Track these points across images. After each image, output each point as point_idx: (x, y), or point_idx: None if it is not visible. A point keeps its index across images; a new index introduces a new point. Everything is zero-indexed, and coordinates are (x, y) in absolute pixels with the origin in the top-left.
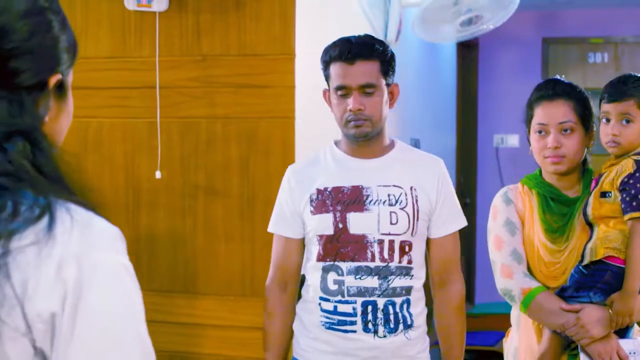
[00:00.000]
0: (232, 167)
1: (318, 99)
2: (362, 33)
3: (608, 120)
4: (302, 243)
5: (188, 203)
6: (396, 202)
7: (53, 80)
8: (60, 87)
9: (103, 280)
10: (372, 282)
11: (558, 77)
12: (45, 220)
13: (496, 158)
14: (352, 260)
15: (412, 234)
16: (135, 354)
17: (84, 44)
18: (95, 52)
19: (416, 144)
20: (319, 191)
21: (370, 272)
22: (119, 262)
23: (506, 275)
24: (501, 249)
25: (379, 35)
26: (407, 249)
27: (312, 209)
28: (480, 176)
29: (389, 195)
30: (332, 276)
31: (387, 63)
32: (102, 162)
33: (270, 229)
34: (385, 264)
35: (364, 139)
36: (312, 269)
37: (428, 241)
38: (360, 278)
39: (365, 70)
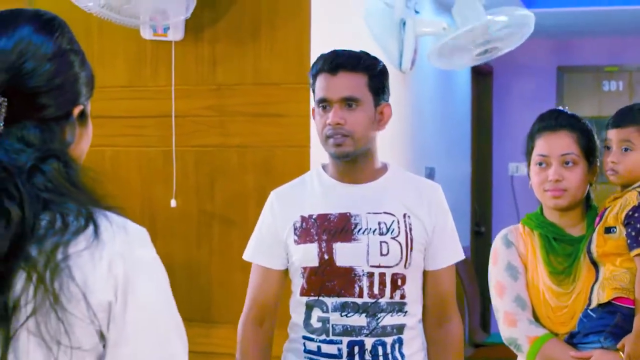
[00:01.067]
0: (248, 196)
1: None
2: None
3: (608, 148)
4: (282, 275)
5: (203, 232)
6: (387, 230)
7: (76, 111)
8: (82, 115)
9: (144, 272)
10: (360, 320)
11: (562, 108)
12: (91, 228)
13: (511, 186)
14: (338, 295)
15: (405, 265)
16: (173, 327)
17: (101, 73)
18: (112, 81)
19: (431, 172)
20: (303, 219)
21: (357, 308)
22: (153, 256)
23: (510, 324)
24: (503, 295)
25: (394, 64)
26: (399, 282)
27: (295, 237)
28: (496, 204)
29: (379, 224)
30: (316, 313)
31: (376, 78)
32: (117, 190)
33: (246, 257)
34: (375, 300)
35: (346, 159)
36: (295, 305)
37: (424, 274)
38: (346, 315)
39: (348, 83)
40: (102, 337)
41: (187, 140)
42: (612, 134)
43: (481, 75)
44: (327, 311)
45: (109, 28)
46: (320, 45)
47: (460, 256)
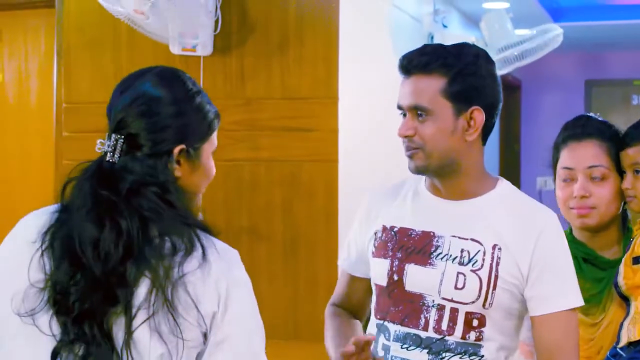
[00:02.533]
0: (276, 210)
1: (361, 142)
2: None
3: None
4: (368, 283)
5: (231, 245)
6: (469, 261)
7: (176, 150)
8: (188, 153)
9: (239, 288)
10: (421, 356)
11: (592, 114)
12: (200, 250)
13: (539, 201)
14: (401, 323)
15: (484, 305)
16: (258, 331)
17: None
18: None
19: None
20: (384, 229)
21: (419, 342)
22: (246, 277)
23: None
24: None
25: None
26: (475, 323)
27: (373, 249)
28: None
29: (462, 251)
30: (381, 339)
31: (458, 80)
32: None
33: (339, 262)
34: (441, 336)
35: (422, 174)
36: (371, 326)
37: (531, 320)
38: (407, 348)
39: (417, 88)
40: (205, 336)
41: (215, 154)
42: (622, 156)
43: (509, 89)
44: (389, 339)
45: (138, 43)
46: (348, 59)
47: (575, 303)
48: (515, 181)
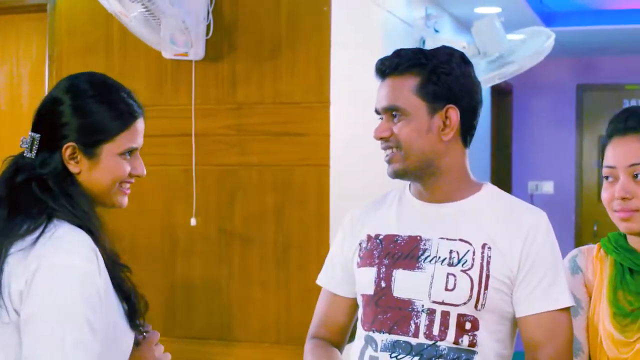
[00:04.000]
0: (268, 215)
1: (353, 146)
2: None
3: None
4: (352, 303)
5: (224, 250)
6: (458, 261)
7: (65, 147)
8: (89, 149)
9: (52, 273)
10: None
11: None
12: (37, 234)
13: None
14: (390, 331)
15: (476, 306)
16: (70, 323)
17: None
18: None
19: None
20: (369, 238)
21: (409, 350)
22: (71, 264)
23: None
24: None
25: None
26: (468, 326)
27: (358, 260)
28: None
29: (450, 252)
30: (368, 351)
31: (432, 79)
32: (138, 209)
33: (318, 281)
34: (432, 342)
35: (401, 178)
36: (357, 339)
37: (518, 322)
38: (396, 357)
39: (391, 89)
40: (17, 314)
41: (207, 159)
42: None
43: (501, 94)
44: (376, 349)
45: (130, 47)
46: (340, 64)
47: (564, 303)
48: (507, 185)
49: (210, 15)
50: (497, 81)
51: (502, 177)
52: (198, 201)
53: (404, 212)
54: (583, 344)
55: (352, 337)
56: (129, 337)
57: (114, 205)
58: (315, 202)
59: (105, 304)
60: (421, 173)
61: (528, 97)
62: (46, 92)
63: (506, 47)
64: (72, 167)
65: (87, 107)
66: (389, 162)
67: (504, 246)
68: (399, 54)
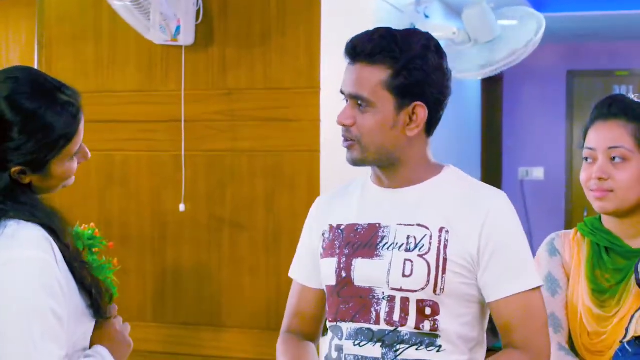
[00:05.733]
0: (258, 201)
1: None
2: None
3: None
4: (322, 295)
5: (213, 236)
6: (415, 247)
7: (13, 171)
8: (38, 169)
9: (6, 268)
10: (374, 350)
11: (625, 93)
12: None
13: (521, 191)
14: (352, 320)
15: (435, 291)
16: (32, 316)
17: (111, 78)
18: (122, 86)
19: None
20: (331, 229)
21: (371, 336)
22: (26, 258)
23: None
24: None
25: None
26: (428, 311)
27: (322, 250)
28: None
29: (407, 238)
30: (334, 341)
31: (403, 74)
32: (127, 195)
33: (289, 274)
34: (393, 328)
35: (359, 166)
36: (328, 330)
37: (489, 307)
38: (359, 345)
39: (360, 77)
40: None
41: (197, 144)
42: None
43: (491, 81)
44: (341, 338)
45: (120, 34)
46: (330, 49)
47: (532, 283)
48: (497, 172)
49: (200, 1)
50: (492, 74)
51: (493, 164)
52: (187, 187)
53: (364, 200)
54: (563, 321)
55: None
56: (91, 323)
57: (64, 187)
58: (306, 188)
59: (67, 292)
60: (380, 163)
61: (518, 84)
62: None
63: (497, 34)
64: (23, 180)
65: (34, 128)
66: (348, 149)
67: (462, 229)
68: (371, 38)
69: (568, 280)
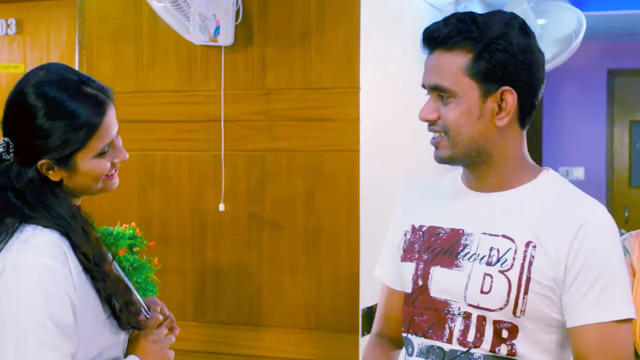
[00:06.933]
0: (297, 200)
1: (383, 131)
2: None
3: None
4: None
5: (253, 236)
6: (497, 261)
7: (40, 164)
8: (63, 162)
9: (16, 272)
10: None
11: None
12: (7, 236)
13: None
14: (425, 335)
15: (515, 312)
16: (32, 324)
17: (151, 78)
18: (162, 86)
19: None
20: (413, 229)
21: (442, 357)
22: (37, 264)
23: None
24: None
25: None
26: (505, 334)
27: (402, 252)
28: None
29: (490, 250)
30: (403, 355)
31: (485, 57)
32: (168, 194)
33: (374, 272)
34: (466, 349)
35: (447, 164)
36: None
37: (568, 333)
38: None
39: (438, 66)
40: None
41: (236, 144)
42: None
43: None
44: (412, 354)
45: (159, 33)
46: (369, 49)
47: (619, 314)
48: None
49: (240, 1)
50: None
51: None
52: (227, 187)
53: (451, 201)
54: None
55: None
56: (119, 333)
57: (104, 191)
58: (345, 188)
59: (81, 301)
60: (470, 161)
61: (558, 83)
62: None
63: (537, 34)
64: (52, 177)
65: (57, 114)
66: (435, 146)
67: (551, 245)
68: (447, 22)
69: (634, 278)
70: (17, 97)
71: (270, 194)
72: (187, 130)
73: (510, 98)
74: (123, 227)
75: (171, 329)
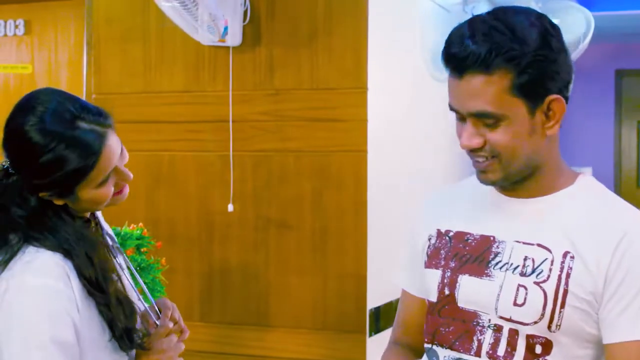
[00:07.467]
0: (304, 201)
1: (391, 132)
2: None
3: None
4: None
5: (260, 236)
6: (532, 272)
7: (42, 194)
8: (65, 195)
9: (19, 294)
10: None
11: None
12: (8, 255)
13: None
14: (451, 347)
15: (550, 327)
16: (35, 342)
17: (159, 78)
18: (169, 87)
19: None
20: (439, 233)
21: None
22: (39, 285)
23: None
24: None
25: None
26: (538, 349)
27: (426, 258)
28: None
29: (525, 259)
30: None
31: (528, 71)
32: (175, 195)
33: (392, 277)
34: None
35: (499, 185)
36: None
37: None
38: None
39: (477, 91)
40: None
41: (244, 145)
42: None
43: None
44: None
45: (167, 34)
46: (377, 49)
47: None
48: None
49: (247, 1)
50: None
51: None
52: (235, 187)
53: (480, 205)
54: None
55: None
56: (122, 356)
57: (114, 205)
58: (353, 189)
59: (83, 322)
60: (522, 177)
61: None
62: (84, 79)
63: None
64: (56, 202)
65: (48, 160)
66: (483, 171)
67: (590, 256)
68: (475, 41)
69: None
70: (14, 134)
71: (277, 194)
72: (195, 130)
73: (559, 106)
74: (131, 227)
75: (181, 332)
